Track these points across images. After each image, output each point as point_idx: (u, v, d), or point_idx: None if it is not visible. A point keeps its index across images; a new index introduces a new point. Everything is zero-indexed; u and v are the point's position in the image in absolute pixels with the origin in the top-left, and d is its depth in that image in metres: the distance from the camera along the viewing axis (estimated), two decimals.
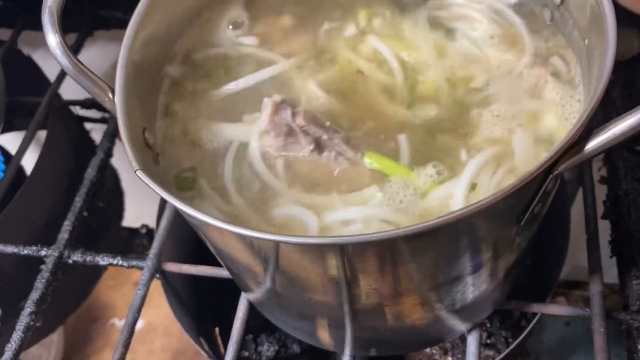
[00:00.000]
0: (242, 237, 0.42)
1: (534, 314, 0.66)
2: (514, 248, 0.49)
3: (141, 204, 1.03)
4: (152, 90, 0.52)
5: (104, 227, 0.91)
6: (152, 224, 0.98)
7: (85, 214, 0.75)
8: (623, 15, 0.73)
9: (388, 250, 0.40)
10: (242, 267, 0.51)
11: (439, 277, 0.46)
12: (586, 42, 0.48)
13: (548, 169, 0.39)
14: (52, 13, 0.45)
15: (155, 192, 0.41)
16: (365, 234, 0.38)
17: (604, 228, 0.70)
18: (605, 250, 0.67)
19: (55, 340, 1.20)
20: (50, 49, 0.45)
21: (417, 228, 0.37)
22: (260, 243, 0.42)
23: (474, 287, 0.50)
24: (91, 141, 0.96)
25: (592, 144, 0.39)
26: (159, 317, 1.37)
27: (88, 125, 0.97)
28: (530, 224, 0.47)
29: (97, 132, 0.98)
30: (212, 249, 0.52)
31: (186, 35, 0.56)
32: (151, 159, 0.48)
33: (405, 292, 0.47)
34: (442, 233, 0.39)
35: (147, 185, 0.41)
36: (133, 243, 0.93)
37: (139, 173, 0.42)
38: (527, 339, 0.68)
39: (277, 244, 0.41)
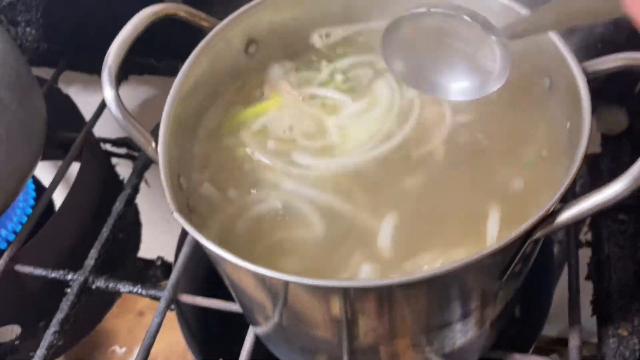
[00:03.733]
0: (257, 275, 0.48)
1: None
2: (498, 301, 0.55)
3: (156, 237, 1.10)
4: (190, 141, 0.59)
5: (122, 257, 0.97)
6: (166, 256, 1.04)
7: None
8: (611, 93, 0.81)
9: (384, 295, 0.47)
10: (254, 302, 0.57)
11: (429, 322, 0.52)
12: (568, 125, 0.55)
13: (526, 235, 0.45)
14: (110, 71, 0.52)
15: (188, 231, 0.48)
16: (364, 280, 0.45)
17: (588, 288, 0.76)
18: (587, 310, 0.73)
19: None
20: (106, 102, 0.52)
21: (404, 280, 0.43)
22: (272, 281, 0.49)
23: (461, 333, 0.56)
24: (116, 175, 1.03)
25: (566, 215, 0.45)
26: (160, 347, 1.42)
27: (114, 160, 1.05)
28: (513, 280, 0.53)
29: (121, 167, 1.06)
30: (227, 283, 0.59)
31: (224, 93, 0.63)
32: (184, 202, 0.54)
33: (398, 333, 0.53)
34: (430, 284, 0.45)
35: (183, 226, 0.48)
36: (147, 274, 0.99)
37: (175, 215, 0.48)
38: None
39: (286, 283, 0.48)
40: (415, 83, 0.58)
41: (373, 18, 0.66)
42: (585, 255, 0.78)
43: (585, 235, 0.82)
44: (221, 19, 0.61)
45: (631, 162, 0.43)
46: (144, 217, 1.10)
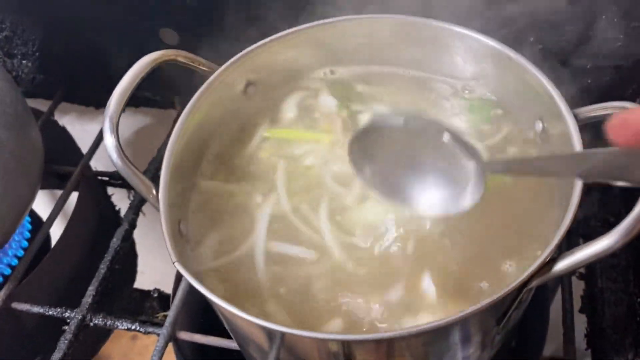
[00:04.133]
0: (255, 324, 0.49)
1: None
2: (495, 344, 0.56)
3: (153, 266, 1.10)
4: (189, 187, 0.60)
5: (119, 289, 0.97)
6: (162, 285, 1.04)
7: None
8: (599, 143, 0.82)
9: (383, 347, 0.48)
10: (252, 345, 0.57)
11: None
12: None
13: (522, 285, 0.46)
14: (112, 119, 0.53)
15: (189, 281, 0.48)
16: (358, 335, 0.46)
17: (582, 321, 0.77)
18: (580, 342, 0.74)
19: None
20: (107, 149, 0.53)
21: (405, 333, 0.44)
22: (270, 330, 0.49)
23: None
24: (113, 206, 1.03)
25: (560, 266, 0.46)
26: None
27: (110, 190, 1.05)
28: (509, 325, 0.54)
29: (117, 197, 1.06)
30: (225, 325, 0.59)
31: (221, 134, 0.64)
32: (186, 247, 0.55)
33: None
34: (429, 334, 0.46)
35: (184, 276, 0.48)
36: (144, 305, 0.99)
37: (177, 265, 0.49)
38: None
39: (283, 334, 0.48)
40: (383, 192, 0.52)
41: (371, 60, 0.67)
42: (578, 287, 0.79)
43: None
44: (218, 62, 0.62)
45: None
46: (139, 246, 1.10)
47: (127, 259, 1.03)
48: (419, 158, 0.51)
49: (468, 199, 0.49)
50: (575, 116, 0.54)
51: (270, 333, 0.50)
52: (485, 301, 0.44)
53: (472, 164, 0.49)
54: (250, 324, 0.49)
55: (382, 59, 0.67)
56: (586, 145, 0.52)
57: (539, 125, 0.59)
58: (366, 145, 0.52)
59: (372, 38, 0.66)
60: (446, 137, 0.49)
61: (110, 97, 0.54)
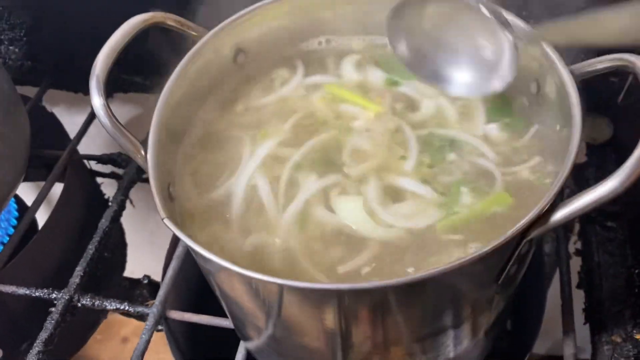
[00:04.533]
0: (248, 279, 0.47)
1: None
2: (493, 307, 0.54)
3: (141, 258, 1.08)
4: (178, 150, 0.58)
5: (108, 277, 0.95)
6: (153, 275, 1.02)
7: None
8: (594, 104, 0.82)
9: (378, 299, 0.46)
10: (246, 312, 0.55)
11: (424, 329, 0.51)
12: (558, 127, 0.55)
13: (521, 235, 0.45)
14: (98, 80, 0.52)
15: (181, 238, 0.47)
16: (360, 283, 0.44)
17: (579, 296, 0.76)
18: (579, 317, 0.72)
19: None
20: (95, 109, 0.51)
21: (401, 281, 0.43)
22: (266, 286, 0.47)
23: (456, 341, 0.55)
24: (102, 194, 1.02)
25: (559, 214, 0.45)
26: None
27: (99, 179, 1.03)
28: (508, 284, 0.53)
29: (106, 186, 1.05)
30: (218, 294, 0.58)
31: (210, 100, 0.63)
32: (175, 210, 0.54)
33: (393, 342, 0.52)
34: (424, 286, 0.45)
35: (173, 231, 0.47)
36: (134, 293, 0.97)
37: (166, 221, 0.47)
38: None
39: (281, 287, 0.46)
40: (417, 69, 0.57)
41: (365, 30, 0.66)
42: (575, 264, 0.78)
43: (575, 244, 0.83)
44: (209, 28, 0.61)
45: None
46: (129, 238, 1.08)
47: (117, 247, 1.01)
48: (454, 36, 0.53)
49: (501, 78, 0.52)
50: (572, 72, 0.53)
51: (265, 292, 0.48)
52: (483, 249, 0.43)
53: (506, 36, 0.50)
54: (248, 281, 0.47)
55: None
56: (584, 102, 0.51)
57: (534, 86, 0.59)
58: (402, 21, 0.54)
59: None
60: (482, 8, 0.50)
61: (97, 57, 0.53)
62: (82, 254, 0.79)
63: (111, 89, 0.99)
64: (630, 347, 0.67)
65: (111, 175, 1.03)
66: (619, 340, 0.68)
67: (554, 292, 0.80)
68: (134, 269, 1.07)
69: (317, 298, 0.46)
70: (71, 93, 1.02)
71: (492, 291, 0.50)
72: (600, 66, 0.52)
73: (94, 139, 0.96)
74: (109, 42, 0.53)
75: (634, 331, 0.68)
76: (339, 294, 0.45)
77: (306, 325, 0.52)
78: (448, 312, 0.50)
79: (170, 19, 0.58)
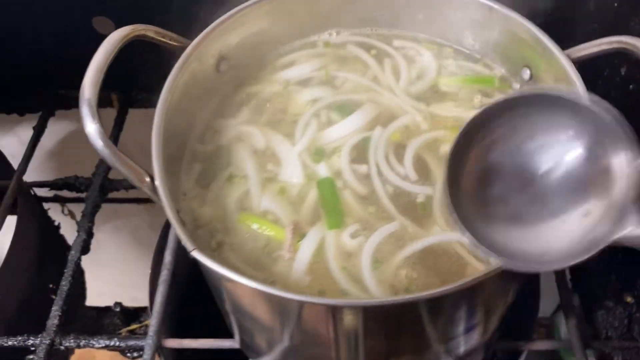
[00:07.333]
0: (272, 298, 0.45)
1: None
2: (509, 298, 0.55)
3: (105, 284, 1.01)
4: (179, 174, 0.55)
5: (72, 309, 0.88)
6: (122, 300, 0.95)
7: (53, 296, 0.73)
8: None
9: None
10: (263, 326, 0.53)
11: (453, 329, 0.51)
12: None
13: None
14: (90, 105, 0.46)
15: (214, 270, 0.43)
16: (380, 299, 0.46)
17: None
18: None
19: None
20: (90, 137, 0.46)
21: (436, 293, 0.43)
22: (287, 302, 0.45)
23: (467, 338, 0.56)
24: (51, 222, 0.93)
25: None
26: None
27: (45, 205, 0.95)
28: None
29: (53, 212, 0.96)
30: (228, 309, 0.55)
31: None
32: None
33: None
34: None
35: (204, 264, 0.43)
36: (103, 323, 0.90)
37: (195, 253, 0.44)
38: None
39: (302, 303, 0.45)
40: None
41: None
42: None
43: None
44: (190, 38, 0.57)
45: None
46: (84, 261, 1.00)
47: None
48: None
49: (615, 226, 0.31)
50: (568, 56, 0.54)
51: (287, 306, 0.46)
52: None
53: (621, 159, 0.33)
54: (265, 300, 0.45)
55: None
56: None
57: (526, 72, 0.59)
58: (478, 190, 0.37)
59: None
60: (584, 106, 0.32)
61: (83, 81, 0.48)
62: (43, 290, 0.72)
63: (53, 106, 0.91)
64: (622, 309, 0.70)
65: (56, 199, 0.95)
66: (610, 305, 0.72)
67: None
68: (95, 296, 1.00)
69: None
70: (3, 115, 0.93)
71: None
72: (594, 49, 0.53)
73: (38, 164, 0.88)
74: (93, 64, 0.48)
75: (624, 293, 0.71)
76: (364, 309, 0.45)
77: (321, 336, 0.50)
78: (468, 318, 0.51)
79: (150, 31, 0.54)
